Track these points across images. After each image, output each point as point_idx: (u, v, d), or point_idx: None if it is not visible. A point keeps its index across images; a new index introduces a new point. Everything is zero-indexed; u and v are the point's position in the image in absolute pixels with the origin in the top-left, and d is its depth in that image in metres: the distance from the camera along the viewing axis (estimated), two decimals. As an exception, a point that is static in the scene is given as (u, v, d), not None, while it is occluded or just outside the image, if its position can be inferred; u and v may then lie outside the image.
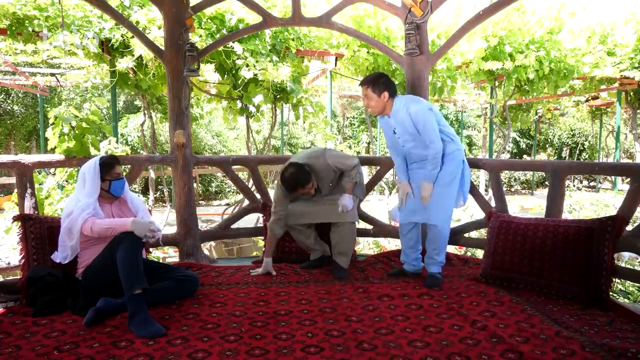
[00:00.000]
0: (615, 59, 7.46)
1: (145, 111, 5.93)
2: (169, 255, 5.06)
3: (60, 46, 4.42)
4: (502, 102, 6.96)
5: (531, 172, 14.55)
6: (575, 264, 2.55)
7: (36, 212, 3.04)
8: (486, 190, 9.59)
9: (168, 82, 3.52)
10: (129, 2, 4.84)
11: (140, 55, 4.66)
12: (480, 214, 3.60)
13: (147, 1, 4.86)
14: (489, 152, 9.17)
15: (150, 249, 3.14)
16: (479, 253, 4.21)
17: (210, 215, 9.50)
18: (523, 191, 15.06)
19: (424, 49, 3.41)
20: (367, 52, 5.62)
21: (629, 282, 3.41)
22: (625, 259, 4.32)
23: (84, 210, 2.50)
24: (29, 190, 3.03)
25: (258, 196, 3.90)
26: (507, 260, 2.79)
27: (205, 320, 2.30)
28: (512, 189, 15.28)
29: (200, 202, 12.35)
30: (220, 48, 4.66)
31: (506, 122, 7.77)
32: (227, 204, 11.04)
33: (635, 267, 3.88)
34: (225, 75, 5.13)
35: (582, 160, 16.37)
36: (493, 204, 3.36)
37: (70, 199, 2.63)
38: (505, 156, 13.95)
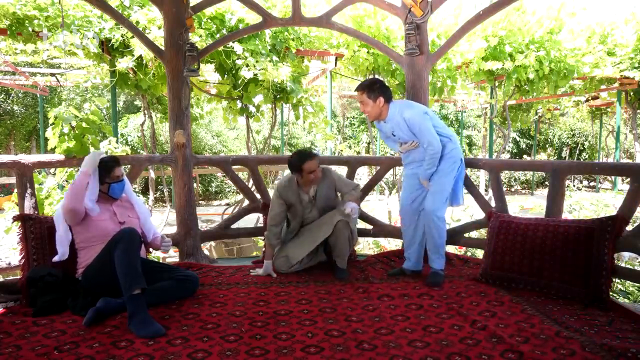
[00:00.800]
0: (615, 59, 7.46)
1: (145, 111, 5.92)
2: (169, 255, 5.07)
3: (60, 46, 4.42)
4: (502, 102, 6.96)
5: (531, 172, 14.55)
6: (575, 264, 2.55)
7: (36, 212, 3.04)
8: (486, 190, 9.59)
9: (168, 82, 3.52)
10: (129, 2, 4.84)
11: (140, 55, 4.66)
12: (480, 214, 3.60)
13: (147, 1, 4.86)
14: (489, 152, 9.17)
15: (151, 249, 3.13)
16: (479, 253, 4.21)
17: (210, 215, 9.50)
18: (523, 191, 15.06)
19: (424, 49, 3.41)
20: (367, 52, 5.62)
21: (629, 282, 3.41)
22: (625, 259, 4.31)
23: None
24: (29, 190, 3.03)
25: (258, 196, 3.90)
26: (507, 260, 2.79)
27: (205, 320, 2.30)
28: (512, 189, 15.28)
29: (200, 202, 12.35)
30: (220, 48, 4.66)
31: (506, 122, 7.77)
32: (227, 204, 11.04)
33: (635, 267, 3.88)
34: (225, 75, 5.13)
35: (582, 160, 16.37)
36: (493, 204, 3.36)
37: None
38: (505, 156, 13.95)
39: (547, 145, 17.53)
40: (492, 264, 2.86)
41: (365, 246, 5.67)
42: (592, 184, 15.34)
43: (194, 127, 12.13)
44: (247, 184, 4.40)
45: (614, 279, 2.71)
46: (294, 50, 5.48)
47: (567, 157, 16.76)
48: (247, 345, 2.02)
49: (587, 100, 10.81)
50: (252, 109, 5.51)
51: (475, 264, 3.31)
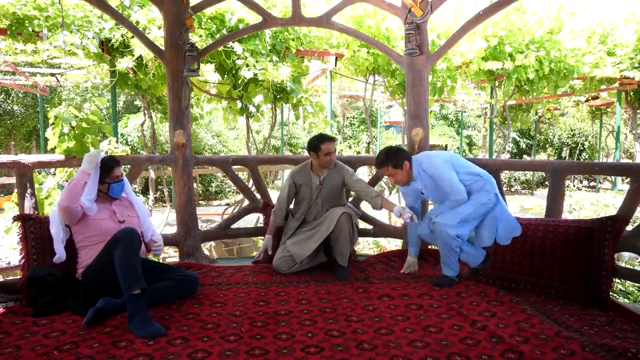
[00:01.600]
0: (615, 59, 7.46)
1: (145, 111, 5.92)
2: (169, 255, 5.07)
3: (60, 46, 4.42)
4: (502, 102, 6.96)
5: (531, 172, 14.56)
6: (575, 264, 2.55)
7: (36, 212, 3.04)
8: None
9: (168, 82, 3.52)
10: (129, 2, 4.84)
11: (140, 55, 4.66)
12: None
13: (147, 1, 4.86)
14: (489, 152, 9.18)
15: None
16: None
17: (210, 215, 9.50)
18: (523, 191, 15.07)
19: (424, 49, 3.42)
20: (367, 52, 5.62)
21: (629, 282, 3.41)
22: (625, 259, 4.32)
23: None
24: (29, 190, 3.03)
25: (258, 196, 3.90)
26: (507, 260, 2.79)
27: (205, 320, 2.30)
28: (512, 189, 15.28)
29: (200, 202, 12.35)
30: (220, 48, 4.66)
31: (506, 122, 7.77)
32: (227, 204, 11.04)
33: (635, 267, 3.88)
34: (225, 75, 5.13)
35: (582, 160, 16.37)
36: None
37: None
38: (505, 156, 13.95)
39: (547, 145, 17.54)
40: (492, 264, 2.86)
41: (365, 246, 5.67)
42: (592, 184, 15.34)
43: (194, 127, 12.13)
44: (247, 184, 4.40)
45: (614, 279, 2.71)
46: (294, 50, 5.48)
47: (567, 157, 16.77)
48: (247, 345, 2.02)
49: (587, 100, 10.81)
50: (252, 109, 5.51)
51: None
